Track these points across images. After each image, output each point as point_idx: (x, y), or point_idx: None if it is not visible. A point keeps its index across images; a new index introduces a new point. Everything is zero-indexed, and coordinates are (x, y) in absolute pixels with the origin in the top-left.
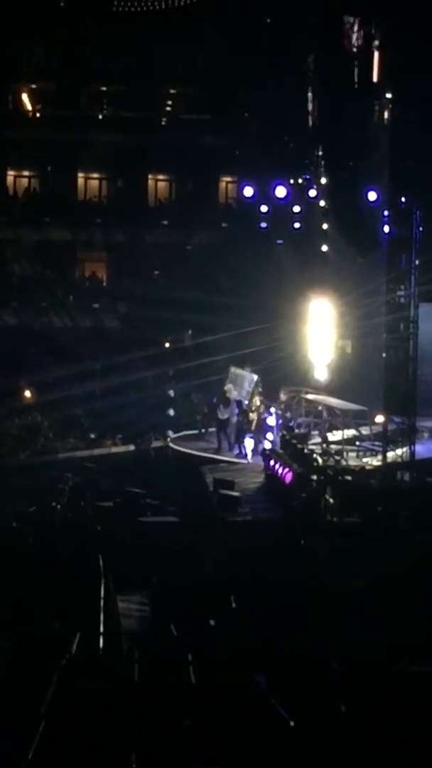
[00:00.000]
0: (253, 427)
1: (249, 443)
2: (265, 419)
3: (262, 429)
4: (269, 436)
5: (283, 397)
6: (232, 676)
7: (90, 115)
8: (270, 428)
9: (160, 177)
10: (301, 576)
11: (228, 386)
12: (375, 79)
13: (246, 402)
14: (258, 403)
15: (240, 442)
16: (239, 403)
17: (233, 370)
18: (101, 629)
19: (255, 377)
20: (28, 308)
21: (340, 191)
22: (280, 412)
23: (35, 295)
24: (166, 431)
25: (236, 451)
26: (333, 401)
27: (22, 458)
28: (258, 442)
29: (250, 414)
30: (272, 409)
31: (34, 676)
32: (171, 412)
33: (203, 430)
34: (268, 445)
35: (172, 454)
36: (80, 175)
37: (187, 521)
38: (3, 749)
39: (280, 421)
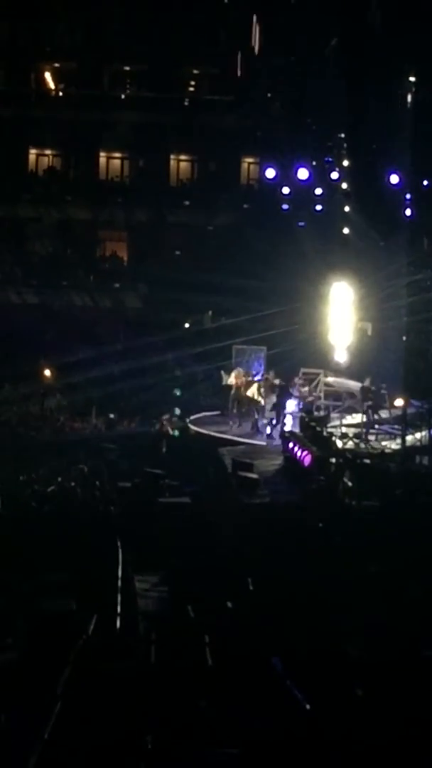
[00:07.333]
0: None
1: (289, 419)
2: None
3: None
4: (288, 419)
5: (301, 379)
6: (248, 659)
7: (113, 95)
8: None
9: (183, 157)
10: (318, 559)
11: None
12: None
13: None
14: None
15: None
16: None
17: (239, 348)
18: (118, 610)
19: (262, 353)
20: (49, 287)
21: (362, 174)
22: (298, 393)
23: (56, 274)
24: (174, 410)
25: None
26: (352, 384)
27: (42, 439)
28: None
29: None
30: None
31: (50, 657)
32: (177, 392)
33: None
34: (288, 428)
35: (191, 435)
36: (102, 154)
37: (206, 503)
38: (19, 730)
39: (300, 404)
